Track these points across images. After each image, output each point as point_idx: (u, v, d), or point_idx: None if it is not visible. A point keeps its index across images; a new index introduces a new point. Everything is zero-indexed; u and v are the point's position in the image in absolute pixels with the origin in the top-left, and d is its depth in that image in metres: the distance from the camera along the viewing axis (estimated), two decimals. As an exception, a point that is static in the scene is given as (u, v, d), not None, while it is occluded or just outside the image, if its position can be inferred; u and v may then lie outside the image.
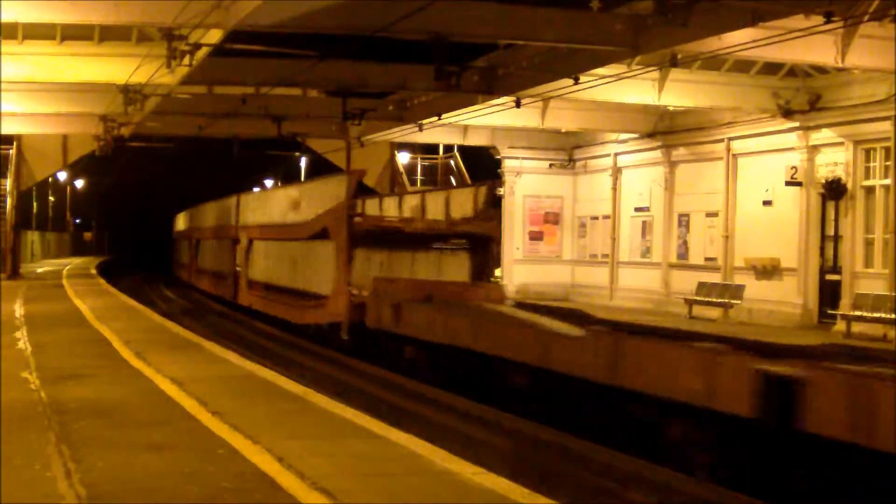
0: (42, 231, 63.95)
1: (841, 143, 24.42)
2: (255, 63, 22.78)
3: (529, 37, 19.29)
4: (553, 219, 35.69)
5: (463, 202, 21.05)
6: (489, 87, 22.85)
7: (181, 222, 49.06)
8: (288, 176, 56.33)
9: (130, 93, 23.57)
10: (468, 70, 20.74)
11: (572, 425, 11.98)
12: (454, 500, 6.26)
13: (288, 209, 23.95)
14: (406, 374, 16.62)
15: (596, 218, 34.84)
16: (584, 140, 35.00)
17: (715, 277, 28.07)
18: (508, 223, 34.36)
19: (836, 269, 24.64)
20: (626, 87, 23.01)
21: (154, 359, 12.62)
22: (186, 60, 18.58)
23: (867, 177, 23.97)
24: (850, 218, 24.09)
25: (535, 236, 35.88)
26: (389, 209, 23.51)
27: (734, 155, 28.07)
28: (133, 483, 6.45)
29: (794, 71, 24.84)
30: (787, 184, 25.58)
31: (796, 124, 25.31)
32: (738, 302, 26.44)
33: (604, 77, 20.41)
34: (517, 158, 35.71)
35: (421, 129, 28.18)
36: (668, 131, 30.50)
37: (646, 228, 32.12)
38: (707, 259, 29.16)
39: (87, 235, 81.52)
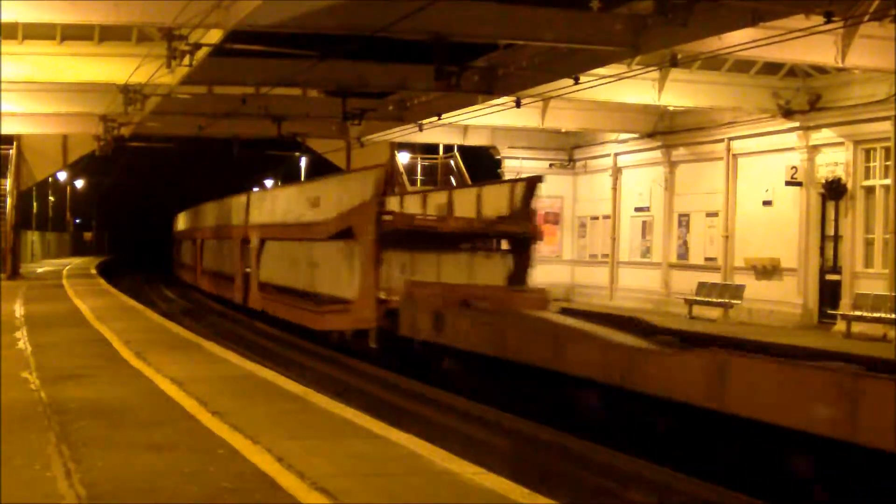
0: (42, 231, 63.94)
1: (841, 143, 24.43)
2: (255, 63, 22.77)
3: (529, 37, 19.29)
4: (553, 219, 35.68)
5: (497, 200, 19.77)
6: (489, 87, 22.84)
7: (183, 222, 47.81)
8: (288, 176, 56.34)
9: (130, 93, 23.57)
10: (468, 70, 20.74)
11: (667, 456, 10.62)
12: (454, 500, 6.26)
13: (305, 207, 22.50)
14: (444, 387, 15.10)
15: (596, 218, 34.86)
16: (584, 140, 35.01)
17: (715, 277, 28.08)
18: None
19: (836, 269, 24.65)
20: (626, 87, 23.02)
21: (154, 359, 12.62)
22: (186, 60, 18.58)
23: (867, 177, 23.98)
24: (850, 218, 24.10)
25: (536, 236, 35.86)
26: (412, 207, 21.95)
27: (734, 155, 28.08)
28: (133, 483, 6.45)
29: (794, 71, 24.84)
30: (787, 184, 25.59)
31: (796, 124, 25.32)
32: (738, 302, 26.45)
33: (604, 77, 20.41)
34: (517, 158, 35.72)
35: (421, 129, 28.19)
36: (668, 131, 30.51)
37: (646, 228, 32.13)
38: (707, 259, 29.17)
39: (87, 235, 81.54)
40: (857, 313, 22.74)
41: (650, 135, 31.01)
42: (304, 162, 53.59)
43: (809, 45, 18.24)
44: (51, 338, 15.22)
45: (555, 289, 34.26)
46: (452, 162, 39.71)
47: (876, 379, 8.67)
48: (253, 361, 13.99)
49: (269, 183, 59.29)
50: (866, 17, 17.87)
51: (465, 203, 20.60)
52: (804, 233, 25.43)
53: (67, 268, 45.96)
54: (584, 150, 35.21)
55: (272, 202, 27.28)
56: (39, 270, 42.26)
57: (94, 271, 43.42)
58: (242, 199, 30.17)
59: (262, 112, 27.15)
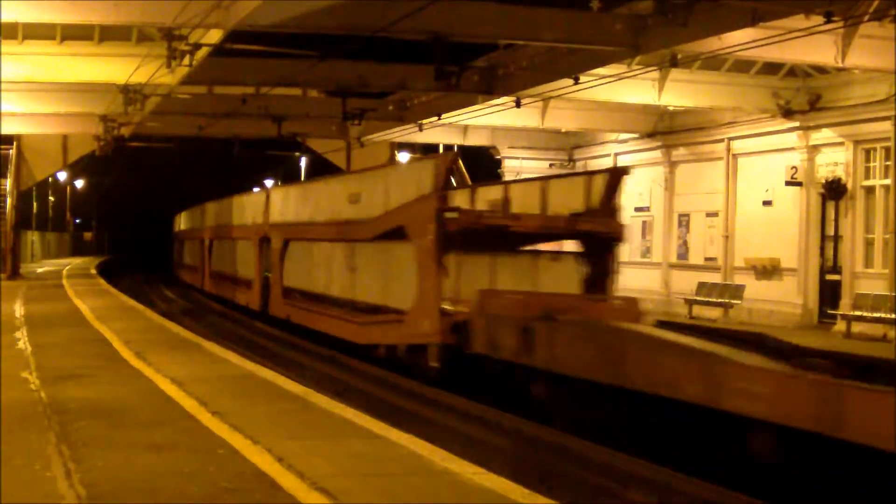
0: (42, 231, 63.95)
1: (841, 143, 24.44)
2: (255, 63, 22.79)
3: (529, 37, 19.29)
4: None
5: (568, 195, 17.33)
6: (489, 87, 22.85)
7: (186, 221, 46.35)
8: (288, 176, 56.32)
9: (130, 93, 23.58)
10: (468, 70, 20.74)
11: None
12: (454, 500, 6.26)
13: (342, 204, 19.98)
14: (537, 418, 12.60)
15: (596, 218, 34.80)
16: (584, 140, 35.00)
17: (715, 277, 28.08)
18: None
19: (836, 269, 24.65)
20: (626, 87, 23.02)
21: (154, 359, 12.62)
22: (186, 60, 18.59)
23: (867, 177, 23.98)
24: (850, 218, 24.10)
25: (536, 236, 35.84)
26: (458, 203, 18.67)
27: (734, 155, 28.09)
28: (133, 483, 6.45)
29: (794, 71, 24.85)
30: (787, 184, 25.59)
31: (796, 124, 25.32)
32: (738, 302, 26.45)
33: (604, 77, 20.41)
34: (517, 158, 35.72)
35: (421, 129, 28.20)
36: (668, 131, 30.51)
37: (646, 228, 32.13)
38: (707, 259, 29.17)
39: (87, 235, 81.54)
40: (857, 313, 22.74)
41: (650, 135, 31.01)
42: (304, 162, 53.60)
43: (809, 45, 18.24)
44: (51, 338, 15.23)
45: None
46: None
47: None
48: (253, 361, 13.99)
49: (269, 182, 59.11)
50: (866, 17, 17.87)
51: (526, 199, 18.12)
52: (804, 233, 25.44)
53: (67, 268, 45.96)
54: (584, 150, 35.21)
55: (299, 199, 24.55)
56: (39, 270, 42.26)
57: (93, 271, 43.42)
58: (260, 196, 27.92)
59: (262, 112, 27.16)
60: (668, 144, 30.66)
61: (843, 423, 8.37)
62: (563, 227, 16.75)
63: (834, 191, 24.49)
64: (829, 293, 24.69)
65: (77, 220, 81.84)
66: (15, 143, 35.94)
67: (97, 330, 16.70)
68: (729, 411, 9.55)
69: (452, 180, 15.88)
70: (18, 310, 20.59)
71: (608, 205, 16.53)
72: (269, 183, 59.05)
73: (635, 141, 32.14)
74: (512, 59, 22.14)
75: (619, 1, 18.39)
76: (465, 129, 33.19)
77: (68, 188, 71.99)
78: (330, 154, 37.56)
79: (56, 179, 60.83)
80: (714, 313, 27.03)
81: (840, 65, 20.30)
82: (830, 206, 24.98)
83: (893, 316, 21.60)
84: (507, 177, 35.40)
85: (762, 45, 16.29)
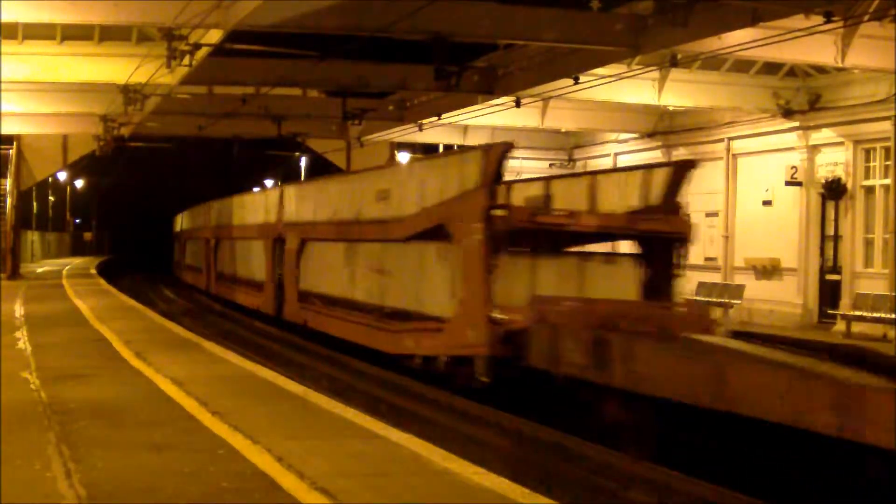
0: (42, 231, 63.93)
1: (841, 143, 24.44)
2: (255, 63, 22.81)
3: (529, 37, 19.30)
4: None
5: (622, 191, 15.93)
6: (489, 87, 22.88)
7: (188, 221, 45.04)
8: (288, 176, 56.28)
9: (130, 93, 23.59)
10: (468, 70, 20.75)
11: None
12: (454, 500, 6.26)
13: (368, 202, 18.48)
14: (602, 441, 11.24)
15: (596, 218, 34.80)
16: (584, 140, 35.00)
17: (715, 277, 28.07)
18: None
19: (836, 269, 24.65)
20: (626, 87, 23.03)
21: (154, 359, 12.62)
22: (186, 60, 18.60)
23: (867, 177, 23.99)
24: (849, 218, 24.11)
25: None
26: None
27: (734, 155, 28.09)
28: (133, 483, 6.45)
29: (794, 71, 24.85)
30: (787, 184, 25.59)
31: (796, 124, 25.33)
32: (738, 302, 26.43)
33: (604, 77, 20.41)
34: (517, 158, 35.47)
35: (421, 129, 28.22)
36: (668, 131, 30.52)
37: (646, 228, 32.08)
38: (707, 259, 29.15)
39: (87, 235, 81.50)
40: (857, 313, 22.74)
41: (650, 135, 31.01)
42: (304, 162, 53.62)
43: (809, 45, 18.25)
44: (51, 338, 15.22)
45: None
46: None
47: None
48: (253, 361, 13.99)
49: (268, 183, 59.06)
50: (866, 17, 17.88)
51: (568, 195, 16.68)
52: (804, 233, 25.44)
53: (67, 268, 45.96)
54: (584, 150, 35.21)
55: (317, 196, 22.74)
56: (39, 270, 42.26)
57: (93, 271, 43.42)
58: (273, 193, 26.24)
59: (262, 112, 27.17)
60: (668, 144, 30.66)
61: None
62: (624, 225, 15.08)
63: (834, 191, 24.50)
64: (829, 293, 24.70)
65: (77, 220, 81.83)
66: (15, 143, 35.95)
67: (97, 330, 16.70)
68: (872, 444, 8.20)
69: (502, 174, 14.41)
70: (18, 310, 20.59)
71: (671, 201, 15.14)
72: (269, 183, 59.04)
73: (635, 141, 32.14)
74: (512, 59, 22.16)
75: (619, 1, 18.41)
76: (465, 129, 33.19)
77: (68, 188, 71.99)
78: (330, 154, 37.58)
79: (56, 179, 60.83)
80: (714, 313, 27.00)
81: (840, 65, 20.30)
82: (830, 206, 24.98)
83: (893, 316, 21.60)
84: (507, 177, 35.38)
85: (762, 45, 16.30)
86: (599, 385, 11.33)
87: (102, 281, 35.51)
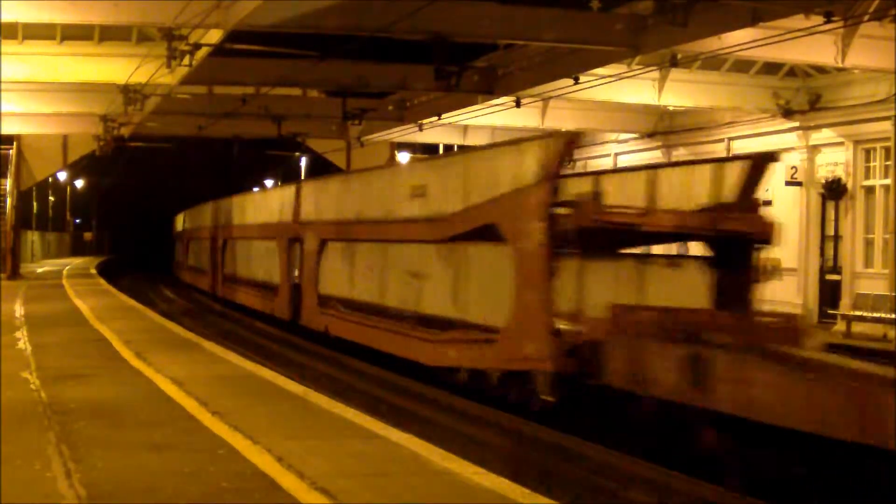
0: (42, 231, 63.94)
1: (841, 143, 24.45)
2: (255, 63, 22.80)
3: (529, 37, 19.30)
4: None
5: (687, 187, 14.35)
6: (489, 87, 22.88)
7: (191, 220, 44.05)
8: (288, 175, 56.29)
9: (130, 93, 23.59)
10: (468, 70, 20.74)
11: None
12: (454, 500, 6.26)
13: (401, 199, 17.07)
14: (696, 472, 9.89)
15: (596, 218, 34.78)
16: (584, 140, 34.95)
17: (715, 277, 28.03)
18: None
19: (836, 269, 24.65)
20: (626, 87, 23.02)
21: (154, 359, 12.62)
22: (186, 60, 18.59)
23: (867, 177, 23.99)
24: (850, 218, 24.11)
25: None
26: None
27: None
28: (133, 483, 6.45)
29: (794, 71, 24.86)
30: (787, 184, 25.58)
31: (796, 124, 25.33)
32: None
33: (604, 77, 20.41)
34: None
35: (421, 129, 28.21)
36: (668, 131, 30.51)
37: (646, 228, 32.07)
38: (707, 259, 29.13)
39: (87, 235, 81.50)
40: (857, 313, 22.74)
41: (650, 135, 31.01)
42: (304, 162, 53.64)
43: (809, 45, 18.25)
44: (51, 338, 15.22)
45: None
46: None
47: None
48: (253, 361, 13.99)
49: (268, 183, 59.00)
50: (866, 17, 17.89)
51: (621, 192, 14.94)
52: (804, 233, 25.44)
53: (67, 268, 45.97)
54: (584, 150, 35.16)
55: (340, 193, 21.12)
56: (39, 270, 42.26)
57: (93, 271, 43.42)
58: (288, 190, 24.86)
59: (262, 112, 27.18)
60: (668, 144, 30.66)
61: None
62: (704, 225, 13.39)
63: (834, 191, 24.50)
64: (829, 293, 24.70)
65: (77, 220, 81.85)
66: (15, 143, 35.96)
67: (97, 330, 16.70)
68: None
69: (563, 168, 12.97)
70: (18, 310, 20.59)
71: (748, 198, 13.52)
72: (269, 183, 59.02)
73: (635, 141, 32.14)
74: (512, 59, 22.16)
75: (619, 1, 18.41)
76: (465, 129, 33.20)
77: (68, 188, 71.99)
78: (330, 154, 37.59)
79: (56, 179, 60.84)
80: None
81: (840, 65, 20.30)
82: (830, 206, 24.99)
83: (893, 316, 21.60)
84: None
85: (762, 45, 16.29)
86: (695, 408, 9.98)
87: (102, 281, 35.51)
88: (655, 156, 31.21)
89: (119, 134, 30.40)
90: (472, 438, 12.03)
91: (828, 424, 8.63)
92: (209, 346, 15.05)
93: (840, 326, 23.07)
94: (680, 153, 30.51)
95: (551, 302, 12.35)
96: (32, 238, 55.93)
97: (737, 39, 17.88)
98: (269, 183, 59.14)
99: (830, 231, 25.04)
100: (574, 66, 20.31)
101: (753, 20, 16.56)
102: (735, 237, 13.33)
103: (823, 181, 24.81)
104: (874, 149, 23.75)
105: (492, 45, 21.61)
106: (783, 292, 25.86)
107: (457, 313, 14.78)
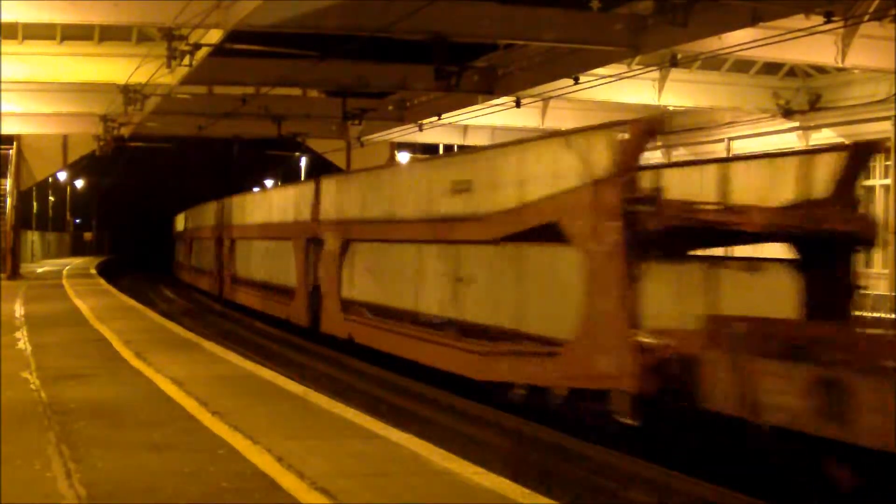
0: (42, 231, 63.96)
1: (841, 143, 24.45)
2: (255, 63, 22.81)
3: (529, 37, 19.31)
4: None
5: (769, 182, 12.82)
6: (489, 87, 22.88)
7: (194, 220, 43.21)
8: (287, 175, 56.29)
9: (130, 93, 23.61)
10: (468, 70, 20.76)
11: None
12: (454, 500, 6.26)
13: (441, 195, 15.45)
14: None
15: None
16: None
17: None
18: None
19: (836, 269, 24.62)
20: (626, 87, 23.05)
21: (154, 359, 12.61)
22: (186, 60, 18.61)
23: (867, 177, 23.97)
24: (850, 218, 24.08)
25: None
26: None
27: (734, 155, 28.09)
28: (133, 483, 6.44)
29: (794, 71, 24.87)
30: (787, 184, 25.57)
31: (796, 124, 25.33)
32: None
33: (604, 77, 20.42)
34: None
35: (421, 129, 28.21)
36: (668, 131, 30.50)
37: (646, 228, 32.09)
38: (707, 259, 29.14)
39: (87, 235, 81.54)
40: (857, 313, 22.69)
41: (650, 135, 31.00)
42: (304, 162, 53.65)
43: (809, 45, 18.27)
44: (51, 338, 15.21)
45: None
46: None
47: None
48: (253, 361, 13.99)
49: (268, 183, 58.95)
50: (866, 17, 17.90)
51: (689, 187, 13.45)
52: (804, 233, 25.42)
53: (67, 268, 45.96)
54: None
55: (366, 190, 19.30)
56: (39, 270, 42.26)
57: (93, 271, 43.41)
58: (306, 187, 23.12)
59: (262, 112, 27.19)
60: (669, 144, 30.66)
61: None
62: (801, 224, 11.75)
63: (834, 191, 24.48)
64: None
65: (77, 220, 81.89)
66: (15, 143, 35.96)
67: (97, 330, 16.70)
68: None
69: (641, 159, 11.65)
70: (18, 310, 20.58)
71: (847, 194, 11.85)
72: (269, 183, 58.98)
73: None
74: (512, 59, 22.16)
75: (619, 1, 18.42)
76: (465, 129, 33.21)
77: (68, 188, 72.02)
78: (330, 154, 37.60)
79: (56, 179, 60.87)
80: None
81: (840, 65, 20.32)
82: (830, 206, 24.96)
83: (893, 316, 21.59)
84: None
85: (762, 45, 16.30)
86: (828, 441, 8.53)
87: (102, 281, 35.50)
88: (656, 155, 31.22)
89: (119, 134, 30.41)
90: (472, 438, 12.03)
91: None
92: (209, 346, 15.05)
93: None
94: (680, 153, 30.53)
95: (632, 312, 10.76)
96: (32, 238, 55.95)
97: (737, 39, 17.90)
98: (268, 183, 59.08)
99: (830, 231, 25.02)
100: (574, 66, 20.32)
101: (753, 20, 16.57)
102: (832, 238, 11.83)
103: (823, 181, 24.80)
104: (874, 149, 23.74)
105: (492, 45, 21.61)
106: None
107: (509, 322, 13.31)
